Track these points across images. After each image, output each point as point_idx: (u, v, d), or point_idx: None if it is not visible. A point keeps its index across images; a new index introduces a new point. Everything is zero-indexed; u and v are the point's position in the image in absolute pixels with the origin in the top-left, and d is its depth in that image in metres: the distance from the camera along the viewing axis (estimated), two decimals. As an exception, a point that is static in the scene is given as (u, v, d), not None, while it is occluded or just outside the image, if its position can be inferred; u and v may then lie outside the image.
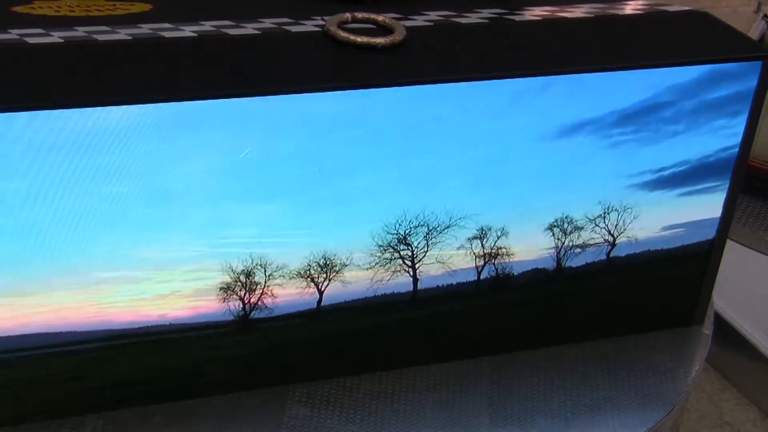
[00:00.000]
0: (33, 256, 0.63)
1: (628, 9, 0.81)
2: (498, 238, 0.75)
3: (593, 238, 0.78)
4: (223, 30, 0.69)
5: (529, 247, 0.76)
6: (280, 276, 0.70)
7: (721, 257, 0.84)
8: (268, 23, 0.72)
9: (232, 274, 0.69)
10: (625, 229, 0.78)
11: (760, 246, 1.20)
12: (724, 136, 0.76)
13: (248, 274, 0.69)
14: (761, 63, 0.73)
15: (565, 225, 0.76)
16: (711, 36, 0.77)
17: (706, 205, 0.80)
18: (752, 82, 0.74)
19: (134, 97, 0.60)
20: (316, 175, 0.67)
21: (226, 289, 0.69)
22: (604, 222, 0.77)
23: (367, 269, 0.72)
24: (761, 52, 0.73)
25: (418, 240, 0.72)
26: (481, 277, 0.76)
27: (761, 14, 1.56)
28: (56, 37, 0.66)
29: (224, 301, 0.70)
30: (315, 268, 0.71)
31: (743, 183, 0.79)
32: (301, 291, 0.71)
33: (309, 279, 0.71)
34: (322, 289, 0.72)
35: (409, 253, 0.73)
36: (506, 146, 0.71)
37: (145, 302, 0.68)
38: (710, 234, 0.81)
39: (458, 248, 0.74)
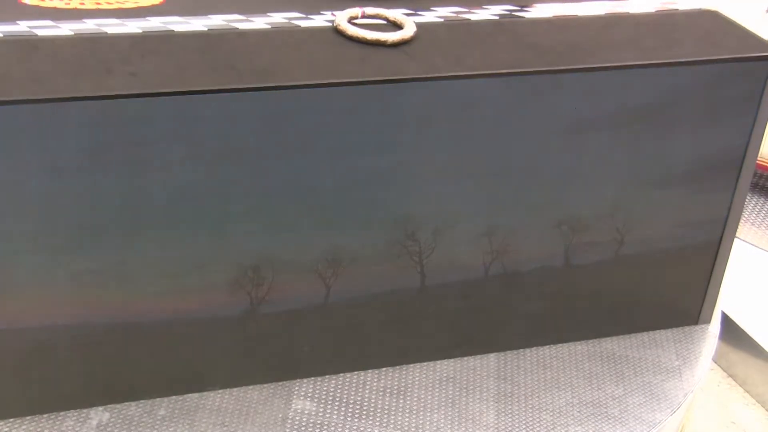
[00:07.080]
0: (40, 250, 0.64)
1: (639, 7, 0.81)
2: (506, 235, 0.74)
3: (601, 236, 0.78)
4: (233, 24, 0.69)
5: (536, 244, 0.76)
6: (288, 271, 0.70)
7: (729, 256, 0.83)
8: (278, 18, 0.72)
9: (240, 268, 0.69)
10: (633, 227, 0.78)
11: (767, 245, 1.20)
12: (733, 135, 0.76)
13: (256, 268, 0.69)
14: (771, 62, 0.73)
15: (573, 222, 0.76)
16: (721, 35, 0.77)
17: (714, 204, 0.80)
18: (762, 82, 0.74)
19: (143, 91, 0.60)
20: (325, 170, 0.67)
21: (234, 284, 0.69)
22: (612, 220, 0.77)
23: (375, 265, 0.72)
24: (771, 51, 0.73)
25: (426, 236, 0.72)
26: (489, 273, 0.76)
27: (771, 13, 1.56)
28: (66, 29, 0.66)
29: (232, 295, 0.70)
30: (323, 263, 0.71)
31: (751, 182, 0.79)
32: (308, 286, 0.71)
33: (317, 274, 0.71)
34: (330, 284, 0.72)
35: (417, 249, 0.73)
36: (516, 143, 0.70)
37: (153, 295, 0.68)
38: (718, 232, 0.81)
39: (466, 244, 0.74)
